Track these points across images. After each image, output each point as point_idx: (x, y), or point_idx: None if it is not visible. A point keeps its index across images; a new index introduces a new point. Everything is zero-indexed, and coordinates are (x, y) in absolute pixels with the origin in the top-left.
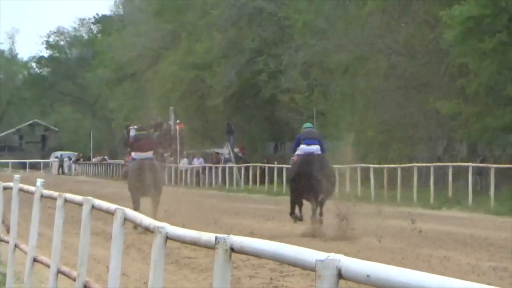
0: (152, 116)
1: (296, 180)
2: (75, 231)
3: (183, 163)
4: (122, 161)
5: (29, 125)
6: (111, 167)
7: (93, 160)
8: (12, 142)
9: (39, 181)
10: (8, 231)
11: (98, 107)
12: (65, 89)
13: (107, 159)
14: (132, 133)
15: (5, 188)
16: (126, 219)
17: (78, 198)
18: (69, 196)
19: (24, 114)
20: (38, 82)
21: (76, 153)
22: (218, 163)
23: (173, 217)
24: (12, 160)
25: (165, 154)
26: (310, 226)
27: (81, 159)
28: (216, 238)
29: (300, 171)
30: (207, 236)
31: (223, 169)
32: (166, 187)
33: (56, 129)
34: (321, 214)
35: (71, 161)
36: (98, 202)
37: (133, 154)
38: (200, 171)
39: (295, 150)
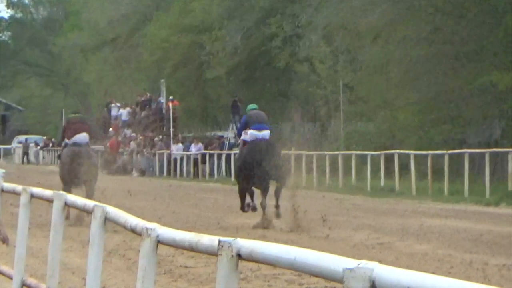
0: (138, 91)
1: (244, 169)
2: (43, 234)
3: (178, 150)
4: (101, 147)
5: None
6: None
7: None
8: None
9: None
10: None
11: (71, 80)
12: (30, 58)
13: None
14: (114, 111)
15: None
16: (107, 219)
17: (47, 193)
18: (36, 190)
19: None
20: None
21: (44, 138)
22: (222, 149)
23: (164, 217)
24: None
25: (155, 139)
26: (262, 217)
27: (51, 145)
28: (219, 242)
29: (249, 159)
30: (208, 240)
31: (228, 156)
32: (156, 179)
33: (20, 107)
34: (277, 206)
35: (38, 147)
36: (72, 198)
37: (66, 140)
38: (199, 159)
39: (240, 133)
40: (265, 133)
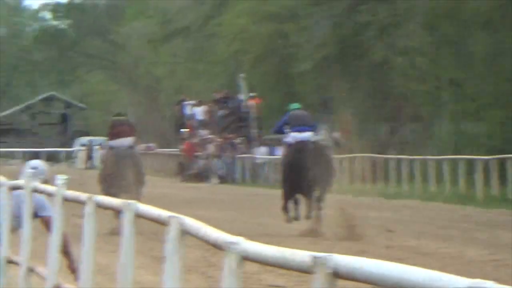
0: (214, 87)
1: (288, 173)
2: (110, 248)
3: (261, 154)
4: (176, 150)
5: (43, 100)
6: (159, 158)
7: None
8: (21, 123)
9: (60, 179)
10: None
11: (138, 74)
12: (92, 49)
13: (153, 147)
14: (188, 110)
15: (13, 189)
16: (184, 232)
17: (115, 202)
18: (103, 199)
19: (36, 85)
20: (55, 40)
21: None
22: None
23: (249, 230)
24: (20, 149)
25: (235, 141)
26: (309, 225)
27: None
28: (313, 258)
29: (293, 162)
30: (300, 255)
31: None
32: (238, 187)
33: (81, 105)
34: (320, 208)
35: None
36: (144, 208)
37: (110, 142)
38: None
39: (276, 131)
40: (307, 135)
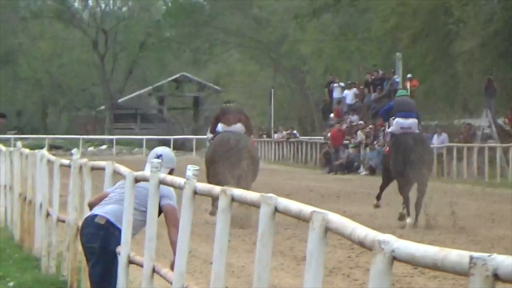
0: (367, 68)
1: (395, 168)
2: (245, 247)
3: None
4: (320, 138)
5: (173, 81)
6: (302, 146)
7: (275, 136)
8: (147, 107)
9: (190, 169)
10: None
11: (282, 53)
12: (231, 25)
13: (296, 134)
14: (337, 93)
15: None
16: (328, 229)
17: (251, 195)
18: (239, 192)
19: (166, 64)
20: (188, 15)
21: None
22: (472, 141)
23: (400, 227)
24: (147, 137)
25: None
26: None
27: (255, 135)
28: (471, 258)
29: (400, 158)
30: (457, 256)
31: (480, 150)
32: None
33: (217, 87)
34: (419, 205)
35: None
36: (284, 202)
37: (218, 126)
38: (444, 153)
39: (387, 118)
40: (412, 121)
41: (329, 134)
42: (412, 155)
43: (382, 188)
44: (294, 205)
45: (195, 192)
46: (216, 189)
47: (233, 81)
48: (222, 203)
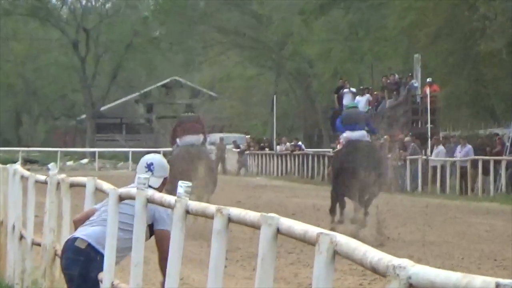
0: (382, 71)
1: (340, 175)
2: (245, 274)
3: (438, 154)
4: (328, 150)
5: (163, 86)
6: (308, 160)
7: (278, 148)
8: (134, 116)
9: (182, 186)
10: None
11: (286, 55)
12: (228, 23)
13: (302, 146)
14: (348, 99)
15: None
16: (337, 253)
17: (251, 215)
18: (236, 212)
19: (155, 68)
20: (179, 11)
21: (247, 136)
22: (499, 154)
23: (418, 250)
24: (134, 149)
25: (405, 139)
26: (352, 227)
27: (255, 147)
28: (497, 285)
29: (344, 164)
30: (481, 282)
31: (509, 164)
32: (407, 196)
33: (212, 93)
34: (365, 214)
35: (240, 149)
36: (287, 223)
37: (177, 140)
38: (468, 167)
39: (334, 134)
40: (360, 134)
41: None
42: (356, 162)
43: (334, 200)
44: (298, 226)
45: (187, 212)
46: (211, 208)
47: (230, 87)
48: (218, 224)
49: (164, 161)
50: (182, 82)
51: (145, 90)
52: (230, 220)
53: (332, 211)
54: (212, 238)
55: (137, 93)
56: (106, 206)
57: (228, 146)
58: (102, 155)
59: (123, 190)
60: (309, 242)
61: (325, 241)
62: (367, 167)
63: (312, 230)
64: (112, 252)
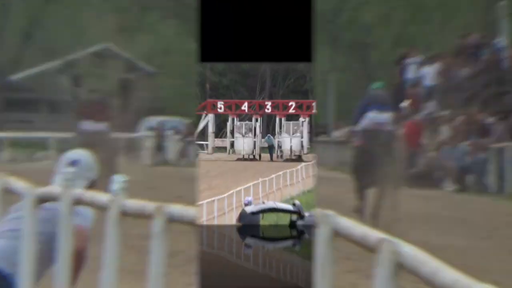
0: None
1: (361, 168)
2: (186, 280)
3: None
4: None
5: (94, 55)
6: None
7: (335, 134)
8: (56, 90)
9: (118, 181)
10: None
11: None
12: None
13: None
14: (412, 72)
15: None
16: (401, 266)
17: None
18: (178, 210)
19: (83, 28)
20: None
21: (188, 121)
22: None
23: (495, 271)
24: (56, 134)
25: (489, 120)
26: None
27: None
28: None
29: (366, 157)
30: None
31: None
32: (489, 199)
33: (151, 68)
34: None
35: (182, 136)
36: (345, 223)
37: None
38: None
39: (356, 121)
40: (386, 116)
41: (403, 130)
42: (377, 153)
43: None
44: (358, 229)
45: (124, 213)
46: (149, 206)
47: (170, 61)
48: (157, 225)
49: (92, 159)
50: (115, 52)
51: (71, 57)
52: (172, 219)
53: (357, 210)
54: (151, 245)
55: (60, 61)
56: (12, 214)
57: (168, 132)
58: (14, 142)
59: (42, 189)
60: (368, 249)
61: (388, 249)
62: (388, 157)
63: (372, 234)
64: (29, 272)
